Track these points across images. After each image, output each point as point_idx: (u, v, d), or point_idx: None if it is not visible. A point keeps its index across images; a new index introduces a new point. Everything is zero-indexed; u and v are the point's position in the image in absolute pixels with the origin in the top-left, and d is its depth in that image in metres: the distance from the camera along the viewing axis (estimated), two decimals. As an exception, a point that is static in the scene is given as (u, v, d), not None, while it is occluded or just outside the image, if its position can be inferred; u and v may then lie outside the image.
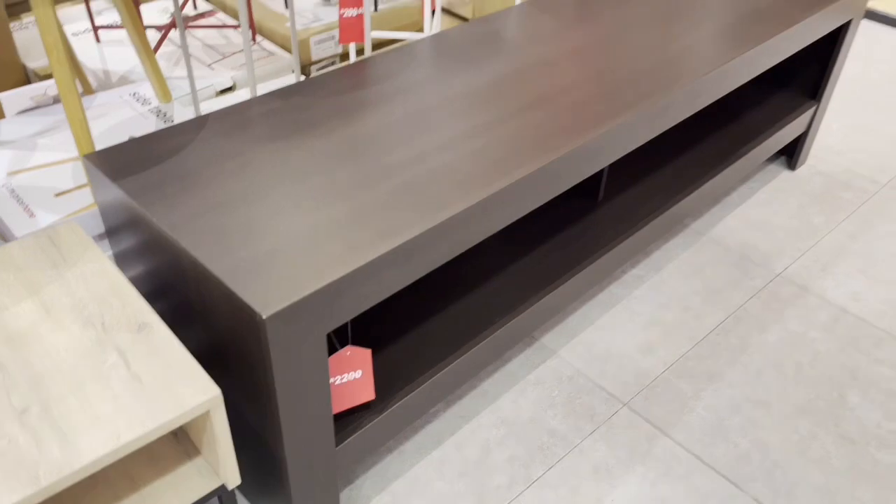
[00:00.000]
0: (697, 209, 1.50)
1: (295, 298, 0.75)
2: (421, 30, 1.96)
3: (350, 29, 1.28)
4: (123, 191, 0.91)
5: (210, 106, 1.55)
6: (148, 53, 1.26)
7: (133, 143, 1.00)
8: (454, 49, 1.26)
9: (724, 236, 1.53)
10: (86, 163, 0.97)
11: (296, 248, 0.82)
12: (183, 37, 1.31)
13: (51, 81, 1.60)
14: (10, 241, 1.02)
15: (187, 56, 1.29)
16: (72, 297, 0.83)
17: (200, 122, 1.04)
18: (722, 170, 1.46)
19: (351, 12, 1.26)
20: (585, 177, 1.11)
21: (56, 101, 1.53)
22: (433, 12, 1.50)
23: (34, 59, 1.82)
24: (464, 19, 2.25)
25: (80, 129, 1.03)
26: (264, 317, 0.72)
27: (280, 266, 0.79)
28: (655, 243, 1.52)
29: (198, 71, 1.64)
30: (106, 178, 0.94)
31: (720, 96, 1.30)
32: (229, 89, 1.63)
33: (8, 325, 0.80)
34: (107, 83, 1.61)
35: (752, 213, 1.60)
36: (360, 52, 1.83)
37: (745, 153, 1.51)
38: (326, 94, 1.12)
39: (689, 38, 1.31)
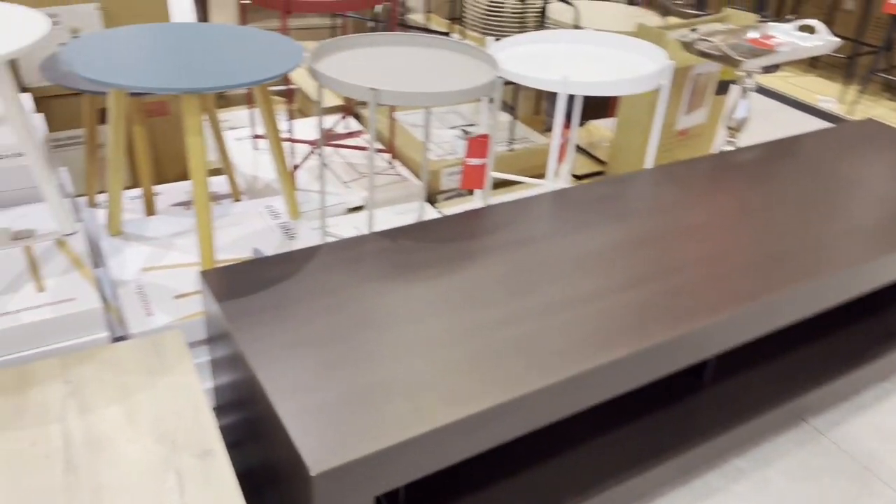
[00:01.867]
0: (820, 405, 1.37)
1: (348, 459, 0.74)
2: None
3: (472, 176, 1.32)
4: (223, 312, 0.96)
5: (337, 222, 1.65)
6: (283, 170, 1.37)
7: (247, 265, 1.07)
8: (577, 207, 1.26)
9: (848, 441, 1.37)
10: (201, 278, 1.04)
11: (363, 401, 0.82)
12: (323, 155, 1.41)
13: (211, 180, 1.76)
14: (125, 339, 1.10)
15: (324, 174, 1.38)
16: (156, 407, 0.88)
17: (313, 253, 1.09)
18: (855, 368, 1.33)
19: (475, 161, 1.31)
20: (692, 363, 1.04)
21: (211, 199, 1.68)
22: (561, 162, 1.52)
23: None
24: (598, 160, 2.27)
25: (207, 246, 1.12)
26: (313, 474, 0.72)
27: (343, 418, 0.80)
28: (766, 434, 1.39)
29: (334, 187, 1.75)
30: (210, 294, 1.01)
31: (858, 294, 1.20)
32: (359, 208, 1.72)
33: (93, 426, 0.85)
34: (253, 188, 1.75)
35: (887, 420, 1.43)
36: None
37: (885, 353, 1.37)
38: (441, 239, 1.14)
39: (835, 225, 1.24)
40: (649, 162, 1.54)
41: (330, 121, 2.12)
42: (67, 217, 1.18)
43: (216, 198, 1.70)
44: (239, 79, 1.05)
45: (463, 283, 1.05)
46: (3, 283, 1.06)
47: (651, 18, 2.38)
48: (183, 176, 2.00)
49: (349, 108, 2.10)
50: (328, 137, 1.97)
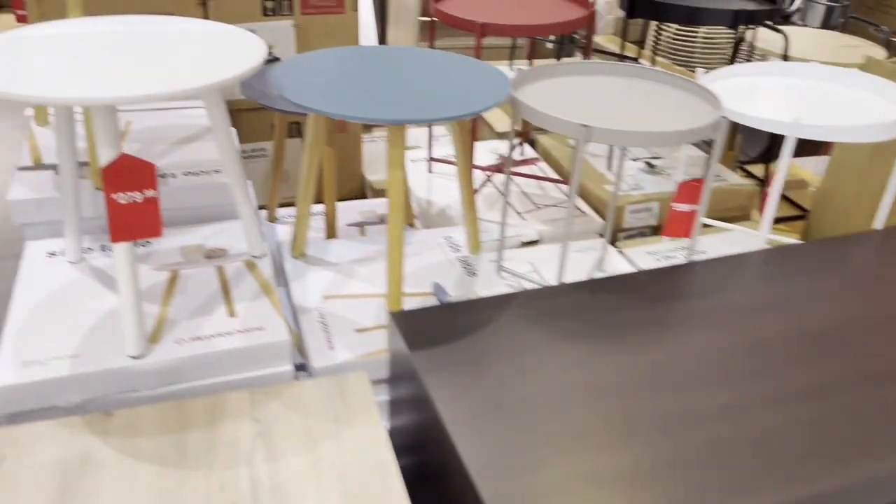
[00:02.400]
0: None
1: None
2: (748, 217, 1.81)
3: (679, 223, 1.19)
4: (415, 361, 0.90)
5: (511, 255, 1.56)
6: (470, 201, 1.30)
7: (438, 310, 1.01)
8: (805, 269, 1.09)
9: None
10: (390, 318, 0.98)
11: (570, 494, 0.72)
12: (507, 183, 1.33)
13: (381, 201, 1.74)
14: (304, 368, 1.07)
15: (505, 206, 1.30)
16: (342, 460, 0.82)
17: (506, 302, 1.01)
18: None
19: (685, 207, 1.18)
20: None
21: (381, 220, 1.66)
22: (765, 210, 1.35)
23: (373, 171, 2.02)
24: (796, 205, 2.05)
25: (395, 287, 1.07)
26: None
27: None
28: None
29: (509, 217, 1.67)
30: (401, 339, 0.95)
31: None
32: (534, 242, 1.63)
33: (280, 473, 0.81)
34: (427, 214, 1.71)
35: None
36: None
37: None
38: (644, 297, 1.03)
39: None
40: (880, 220, 1.34)
41: (502, 146, 2.05)
42: (259, 239, 1.18)
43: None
44: (449, 111, 0.98)
45: (673, 356, 0.93)
46: (198, 303, 1.07)
47: (871, 49, 2.12)
48: (355, 194, 2.00)
49: (525, 134, 2.02)
50: (504, 164, 1.90)
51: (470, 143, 1.22)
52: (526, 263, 1.56)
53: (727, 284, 1.08)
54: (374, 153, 2.07)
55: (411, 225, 1.67)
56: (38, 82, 0.81)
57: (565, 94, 1.21)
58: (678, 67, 2.38)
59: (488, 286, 1.26)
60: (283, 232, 1.53)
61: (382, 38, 2.63)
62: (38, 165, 1.26)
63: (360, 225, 1.65)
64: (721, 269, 1.12)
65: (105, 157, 0.86)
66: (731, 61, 2.23)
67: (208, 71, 0.89)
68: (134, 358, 0.95)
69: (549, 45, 2.55)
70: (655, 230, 1.74)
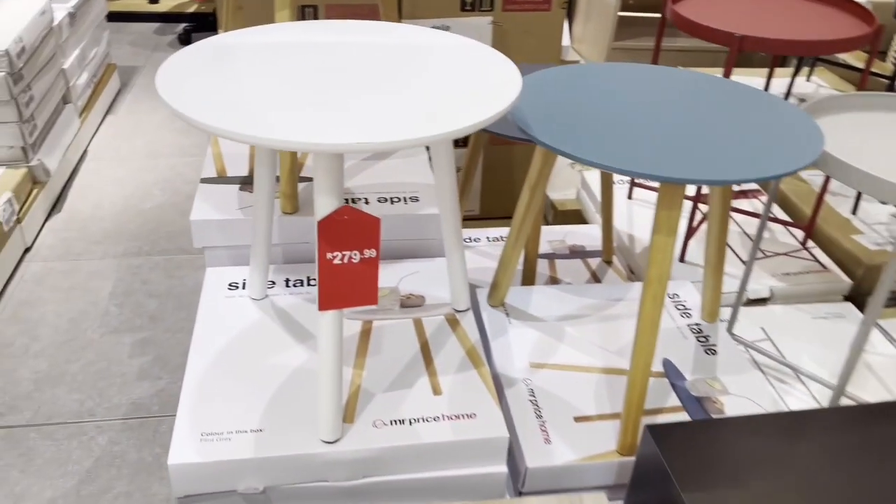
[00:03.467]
0: None
1: None
2: None
3: None
4: (681, 491, 0.68)
5: (740, 316, 1.29)
6: (719, 264, 1.05)
7: (704, 426, 0.78)
8: None
9: None
10: (647, 433, 0.77)
11: None
12: (760, 232, 1.07)
13: (571, 229, 1.52)
14: (526, 493, 0.87)
15: (753, 257, 1.04)
16: None
17: (788, 422, 0.77)
18: None
19: None
20: None
21: (574, 253, 1.43)
22: None
23: (555, 188, 1.80)
24: None
25: (640, 381, 0.84)
26: None
27: None
28: None
29: (729, 267, 1.40)
30: (668, 470, 0.73)
31: None
32: (763, 300, 1.35)
33: None
34: (627, 250, 1.47)
35: None
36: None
37: None
38: None
39: None
40: None
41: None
42: (466, 290, 0.99)
43: (581, 253, 1.45)
44: (750, 169, 0.74)
45: None
46: (396, 370, 0.89)
47: None
48: (504, 213, 1.78)
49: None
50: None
51: (729, 199, 0.97)
52: (756, 328, 1.29)
53: None
54: (557, 166, 1.84)
55: (609, 262, 1.43)
56: (257, 118, 0.65)
57: (868, 140, 0.93)
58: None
59: (733, 371, 1.01)
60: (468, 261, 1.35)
61: (569, 32, 2.39)
62: (223, 178, 1.13)
63: (550, 257, 1.43)
64: None
65: (323, 207, 0.69)
66: None
67: (461, 105, 0.69)
68: (327, 443, 0.78)
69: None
70: (916, 296, 1.42)
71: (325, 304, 0.72)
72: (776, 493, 0.71)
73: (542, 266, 1.40)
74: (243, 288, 1.01)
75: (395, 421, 0.81)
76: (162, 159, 2.17)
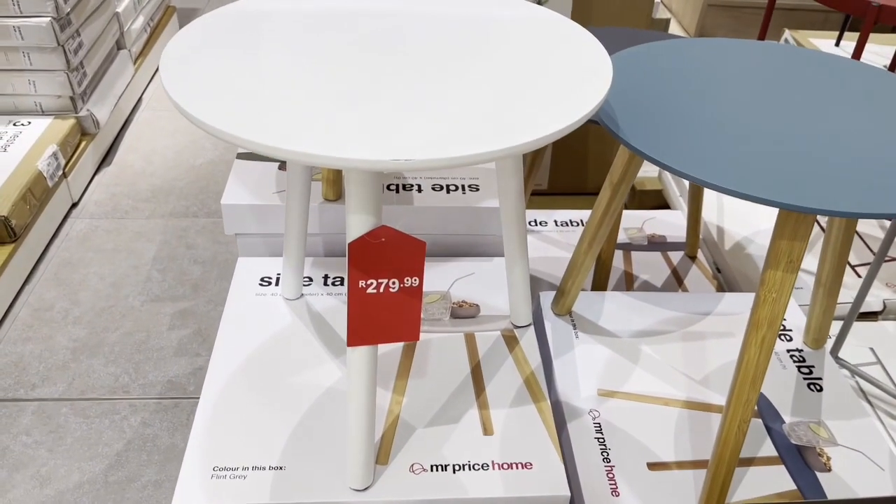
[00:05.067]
0: None
1: None
2: None
3: None
4: None
5: (849, 339, 1.11)
6: (835, 284, 0.88)
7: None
8: None
9: None
10: None
11: None
12: (891, 238, 0.90)
13: (651, 214, 1.35)
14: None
15: (874, 270, 0.85)
16: None
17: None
18: None
19: None
20: None
21: (653, 244, 1.27)
22: None
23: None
24: None
25: (718, 486, 0.69)
26: None
27: None
28: None
29: (835, 269, 1.21)
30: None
31: None
32: (875, 314, 1.16)
33: None
34: (714, 244, 1.29)
35: None
36: None
37: None
38: None
39: None
40: None
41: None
42: (528, 304, 0.85)
43: (661, 244, 1.28)
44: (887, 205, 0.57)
45: None
46: (441, 397, 0.77)
47: None
48: (575, 188, 1.60)
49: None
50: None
51: (852, 238, 0.79)
52: (864, 349, 1.11)
53: None
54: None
55: (693, 257, 1.27)
56: (273, 119, 0.52)
57: None
58: None
59: (843, 414, 0.85)
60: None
61: None
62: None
63: (626, 248, 1.27)
64: None
65: (356, 227, 0.55)
66: None
67: (537, 104, 0.54)
68: (357, 491, 0.67)
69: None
70: None
71: (354, 340, 0.59)
72: None
73: (617, 257, 1.24)
74: (276, 284, 0.90)
75: (437, 467, 0.70)
76: (216, 111, 2.08)
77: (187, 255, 1.56)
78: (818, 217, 1.28)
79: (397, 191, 0.96)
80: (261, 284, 0.89)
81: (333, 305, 0.88)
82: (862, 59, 1.73)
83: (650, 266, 1.23)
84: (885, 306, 1.16)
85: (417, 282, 0.58)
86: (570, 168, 1.61)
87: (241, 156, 1.01)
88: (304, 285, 0.90)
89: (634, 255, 1.26)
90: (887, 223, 1.30)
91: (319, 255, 0.96)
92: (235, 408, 0.74)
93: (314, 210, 0.93)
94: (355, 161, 0.47)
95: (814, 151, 0.63)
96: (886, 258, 1.24)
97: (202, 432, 0.72)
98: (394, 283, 0.58)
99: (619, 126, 0.64)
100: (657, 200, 1.55)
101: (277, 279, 0.90)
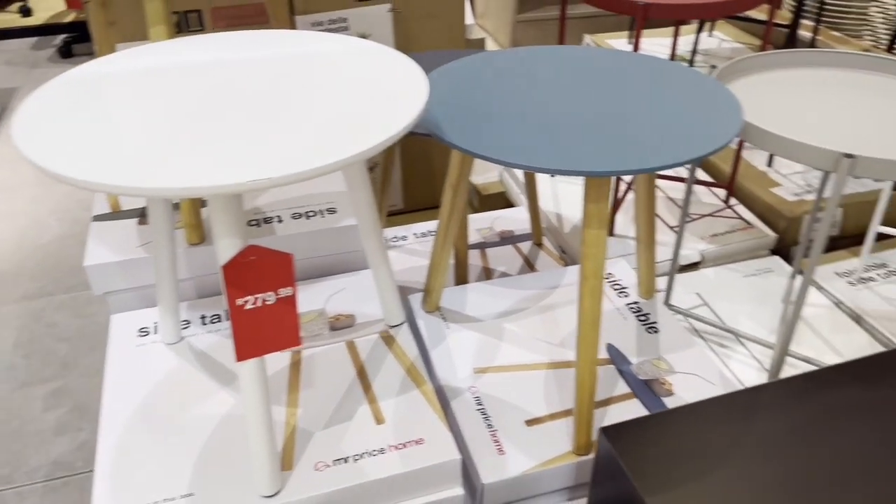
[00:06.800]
0: None
1: None
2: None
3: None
4: (634, 481, 0.65)
5: (674, 283, 1.29)
6: (650, 241, 1.03)
7: (654, 420, 0.75)
8: None
9: None
10: (602, 435, 0.74)
11: None
12: (688, 197, 1.06)
13: (499, 214, 1.48)
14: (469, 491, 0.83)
15: (683, 224, 1.02)
16: None
17: (749, 400, 0.75)
18: None
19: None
20: None
21: (504, 239, 1.40)
22: None
23: (478, 171, 1.76)
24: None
25: (587, 392, 0.81)
26: None
27: None
28: None
29: (657, 234, 1.39)
30: (612, 452, 0.70)
31: None
32: (695, 265, 1.35)
33: None
34: (556, 231, 1.44)
35: None
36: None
37: None
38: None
39: None
40: None
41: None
42: (398, 302, 0.93)
43: (511, 238, 1.41)
44: (673, 153, 0.71)
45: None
46: (332, 402, 0.83)
47: None
48: (428, 203, 1.73)
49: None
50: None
51: (654, 175, 0.95)
52: (692, 294, 1.28)
53: None
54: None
55: (540, 244, 1.41)
56: (132, 165, 0.57)
57: (782, 101, 0.92)
58: (833, 34, 2.02)
59: (676, 347, 1.00)
60: (392, 260, 1.29)
61: (471, 8, 2.33)
62: (118, 213, 1.04)
63: (480, 247, 1.39)
64: None
65: (225, 250, 0.62)
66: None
67: (361, 124, 0.63)
68: (268, 497, 0.72)
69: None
70: (835, 242, 1.45)
71: (242, 354, 0.65)
72: (736, 476, 0.69)
73: (474, 256, 1.35)
74: (155, 332, 0.92)
75: (339, 460, 0.76)
76: (55, 186, 2.02)
77: (50, 335, 1.51)
78: (623, 178, 1.48)
79: (259, 225, 1.01)
80: (140, 335, 0.92)
81: (215, 341, 0.92)
82: (649, 52, 1.98)
83: (504, 259, 1.35)
84: (702, 257, 1.35)
85: (291, 291, 0.65)
86: (420, 185, 1.72)
87: (97, 217, 1.03)
88: (183, 328, 0.93)
89: (489, 251, 1.38)
90: (703, 189, 1.51)
91: (193, 299, 0.99)
92: (135, 449, 0.77)
93: (181, 256, 0.96)
94: (220, 187, 0.53)
95: (602, 129, 0.76)
96: (696, 216, 1.44)
97: (106, 479, 0.74)
98: (269, 296, 0.64)
99: (442, 130, 0.75)
100: (503, 202, 1.70)
101: (156, 327, 0.93)
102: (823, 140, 0.83)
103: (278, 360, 0.89)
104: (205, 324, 0.94)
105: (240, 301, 0.63)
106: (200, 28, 1.36)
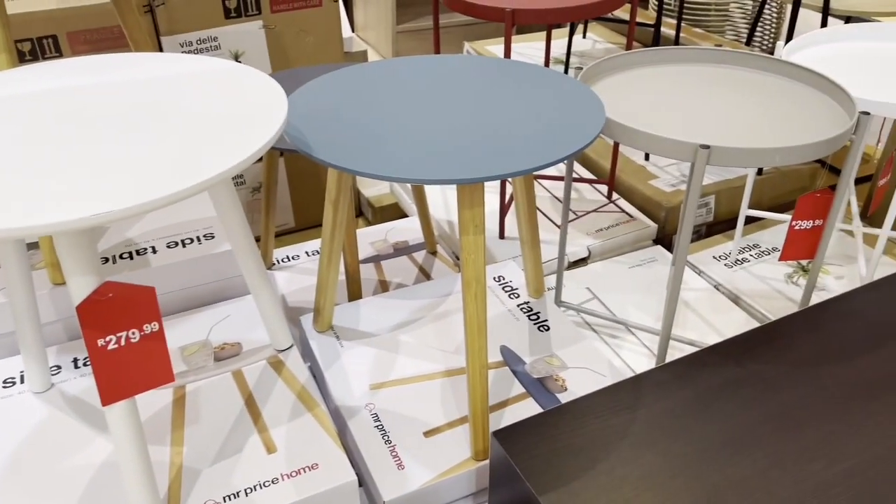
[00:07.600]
0: None
1: None
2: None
3: (800, 244, 0.96)
4: (528, 482, 0.66)
5: (565, 280, 1.32)
6: (534, 241, 1.05)
7: (541, 419, 0.77)
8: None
9: None
10: (493, 439, 0.74)
11: None
12: (568, 194, 1.09)
13: (392, 226, 1.47)
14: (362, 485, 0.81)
15: (566, 221, 1.05)
16: None
17: (617, 393, 0.77)
18: None
19: (806, 225, 0.95)
20: None
21: (398, 250, 1.39)
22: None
23: (369, 184, 1.74)
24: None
25: (480, 396, 0.81)
26: None
27: None
28: None
29: (546, 233, 1.42)
30: (505, 455, 0.71)
31: None
32: (583, 260, 1.39)
33: None
34: (448, 237, 1.45)
35: None
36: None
37: None
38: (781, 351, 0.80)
39: None
40: None
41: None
42: (285, 325, 0.91)
43: (406, 249, 1.41)
44: (539, 156, 0.72)
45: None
46: (220, 436, 0.80)
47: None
48: (320, 220, 1.72)
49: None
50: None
51: (531, 176, 0.97)
52: (582, 290, 1.32)
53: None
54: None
55: (434, 253, 1.41)
56: (-40, 198, 0.53)
57: (644, 97, 0.96)
58: (696, 30, 2.14)
59: (568, 343, 1.02)
60: (284, 281, 1.26)
61: (350, 20, 2.32)
62: (-29, 257, 0.96)
63: (374, 260, 1.38)
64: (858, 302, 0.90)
65: (78, 289, 0.58)
66: (755, 21, 2.00)
67: (217, 146, 0.61)
68: (152, 546, 0.68)
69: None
70: (711, 229, 1.52)
71: (108, 398, 0.61)
72: (625, 463, 0.71)
73: (369, 270, 1.34)
74: (22, 382, 0.86)
75: (229, 496, 0.73)
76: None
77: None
78: (509, 181, 1.51)
79: (131, 257, 0.96)
80: (4, 387, 0.85)
81: (89, 385, 0.86)
82: (527, 57, 2.04)
83: (400, 270, 1.34)
84: (589, 252, 1.39)
85: (157, 326, 0.62)
86: (311, 203, 1.69)
87: (-53, 264, 0.95)
88: (53, 374, 0.87)
89: (384, 263, 1.37)
90: (584, 190, 1.56)
91: (63, 342, 0.93)
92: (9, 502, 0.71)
93: (45, 297, 0.90)
94: (63, 223, 0.50)
95: (471, 136, 0.77)
96: (581, 213, 1.48)
97: (-30, 551, 0.68)
98: (133, 333, 0.61)
99: (310, 147, 0.73)
100: (397, 213, 1.69)
101: (22, 377, 0.87)
102: (683, 133, 0.87)
103: (159, 398, 0.85)
104: (77, 367, 0.89)
105: (101, 342, 0.59)
106: (58, 54, 1.28)
